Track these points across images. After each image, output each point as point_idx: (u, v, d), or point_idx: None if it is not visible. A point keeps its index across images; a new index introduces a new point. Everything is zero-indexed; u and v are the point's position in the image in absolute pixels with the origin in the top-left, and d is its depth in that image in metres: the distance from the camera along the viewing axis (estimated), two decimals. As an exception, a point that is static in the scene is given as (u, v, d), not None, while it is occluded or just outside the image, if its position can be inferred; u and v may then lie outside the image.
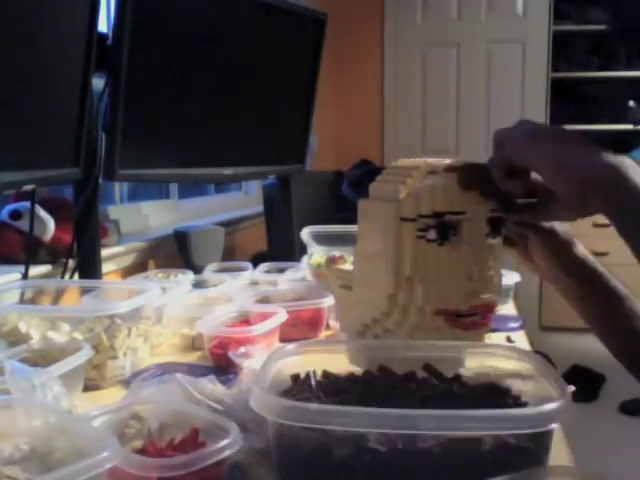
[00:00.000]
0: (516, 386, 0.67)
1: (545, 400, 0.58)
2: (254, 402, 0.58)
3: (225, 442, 0.58)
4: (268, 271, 1.48)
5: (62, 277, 1.27)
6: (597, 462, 0.62)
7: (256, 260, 1.61)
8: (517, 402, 0.65)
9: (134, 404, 0.68)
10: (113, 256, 1.48)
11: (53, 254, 1.29)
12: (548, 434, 0.57)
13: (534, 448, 0.56)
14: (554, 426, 0.55)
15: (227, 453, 0.58)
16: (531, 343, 1.18)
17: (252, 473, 0.64)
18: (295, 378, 0.69)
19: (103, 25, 1.67)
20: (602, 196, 0.64)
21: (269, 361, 0.66)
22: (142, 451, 0.61)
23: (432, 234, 0.76)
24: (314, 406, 0.57)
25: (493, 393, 0.66)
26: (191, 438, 0.63)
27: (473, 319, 0.78)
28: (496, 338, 1.14)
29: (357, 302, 0.84)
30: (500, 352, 0.71)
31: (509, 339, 1.17)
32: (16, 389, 0.66)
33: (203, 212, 2.27)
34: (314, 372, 0.69)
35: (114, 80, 1.20)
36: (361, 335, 0.84)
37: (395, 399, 0.63)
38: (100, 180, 1.27)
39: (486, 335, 0.86)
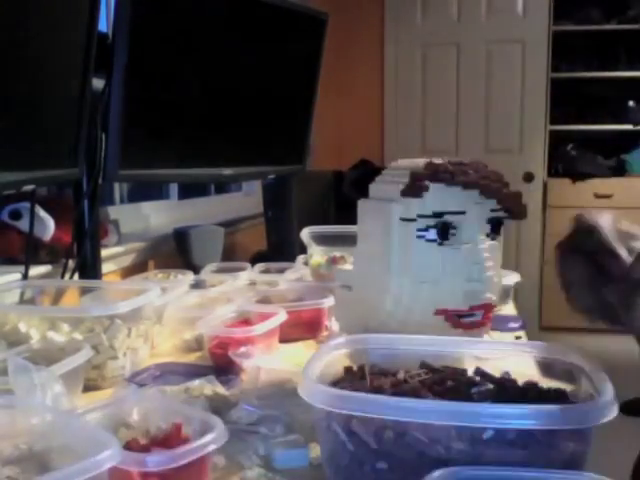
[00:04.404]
0: (559, 384, 0.67)
1: (588, 398, 0.58)
2: (303, 392, 0.58)
3: (209, 437, 0.58)
4: (265, 271, 1.48)
5: (62, 277, 1.27)
6: (597, 462, 0.61)
7: (256, 260, 1.61)
8: (561, 400, 0.65)
9: (121, 403, 0.68)
10: (113, 256, 1.48)
11: (53, 254, 1.29)
12: (590, 432, 0.57)
13: (576, 446, 0.56)
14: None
15: (211, 448, 0.58)
16: (531, 343, 1.18)
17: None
18: (348, 370, 0.69)
19: (103, 25, 1.67)
20: None
21: (319, 354, 0.66)
22: (126, 447, 0.61)
23: (432, 234, 0.76)
24: (363, 396, 0.58)
25: (538, 391, 0.66)
26: (174, 434, 0.63)
27: (473, 319, 0.78)
28: (502, 339, 1.14)
29: (357, 302, 0.84)
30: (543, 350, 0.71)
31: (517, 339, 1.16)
32: (18, 387, 0.66)
33: (203, 212, 2.27)
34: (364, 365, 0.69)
35: (114, 80, 1.20)
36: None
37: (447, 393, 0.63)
38: (100, 180, 1.27)
39: (489, 336, 0.86)
